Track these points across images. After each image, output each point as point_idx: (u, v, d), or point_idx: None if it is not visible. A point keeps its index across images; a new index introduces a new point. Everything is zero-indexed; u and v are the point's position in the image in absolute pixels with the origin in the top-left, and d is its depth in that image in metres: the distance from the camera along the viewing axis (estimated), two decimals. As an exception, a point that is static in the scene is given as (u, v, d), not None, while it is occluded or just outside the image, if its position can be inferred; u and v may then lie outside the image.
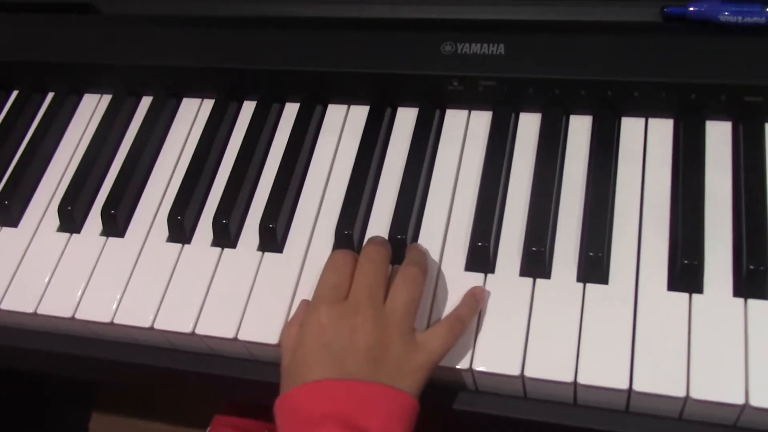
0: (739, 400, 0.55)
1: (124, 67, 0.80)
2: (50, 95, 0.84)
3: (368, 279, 0.60)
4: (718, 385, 0.56)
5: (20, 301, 0.70)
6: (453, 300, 0.63)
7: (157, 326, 0.66)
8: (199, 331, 0.66)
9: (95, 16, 0.82)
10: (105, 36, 0.81)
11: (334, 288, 0.60)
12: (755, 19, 0.66)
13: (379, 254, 0.61)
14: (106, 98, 0.82)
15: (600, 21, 0.70)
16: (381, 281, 0.60)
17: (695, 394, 0.56)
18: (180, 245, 0.70)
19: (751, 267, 0.59)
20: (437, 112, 0.74)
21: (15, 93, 0.85)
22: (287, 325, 0.63)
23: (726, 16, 0.67)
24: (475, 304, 0.61)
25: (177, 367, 0.69)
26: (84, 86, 0.83)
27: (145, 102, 0.81)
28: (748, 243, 0.60)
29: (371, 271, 0.60)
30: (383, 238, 0.64)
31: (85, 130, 0.80)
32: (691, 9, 0.68)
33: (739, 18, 0.66)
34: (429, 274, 0.63)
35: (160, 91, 0.80)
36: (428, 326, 0.62)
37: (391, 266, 0.62)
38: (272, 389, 0.61)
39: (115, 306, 0.68)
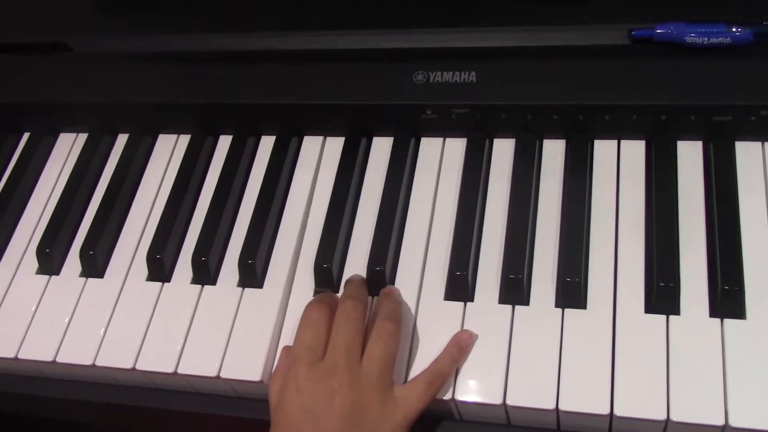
0: (719, 421, 0.56)
1: (99, 106, 0.80)
2: (26, 135, 0.84)
3: (345, 339, 0.60)
4: (697, 407, 0.56)
5: (1, 346, 0.69)
6: (433, 330, 0.63)
7: (138, 367, 0.66)
8: (181, 370, 0.65)
9: (69, 54, 0.82)
10: (79, 75, 0.81)
11: (311, 350, 0.60)
12: (720, 39, 0.67)
13: (356, 310, 0.62)
14: (82, 137, 0.82)
15: (569, 46, 0.71)
16: (358, 339, 0.60)
17: (676, 417, 0.56)
18: (160, 284, 0.70)
19: (726, 287, 0.59)
20: (412, 141, 0.74)
21: (-10, 134, 0.85)
22: (271, 379, 0.63)
23: (692, 37, 0.68)
24: (459, 354, 0.61)
25: (164, 406, 0.69)
26: (59, 126, 0.83)
27: (122, 140, 0.81)
28: (722, 263, 0.61)
29: (348, 330, 0.60)
30: (358, 285, 0.65)
31: (62, 170, 0.80)
32: (658, 31, 0.69)
33: (705, 39, 0.67)
34: (404, 318, 0.63)
35: (136, 128, 0.80)
36: (408, 362, 0.62)
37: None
38: (259, 425, 0.62)
39: (96, 348, 0.68)
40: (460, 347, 0.61)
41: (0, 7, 0.85)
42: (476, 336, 0.62)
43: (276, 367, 0.64)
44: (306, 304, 0.65)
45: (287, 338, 0.66)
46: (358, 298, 0.63)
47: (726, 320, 0.59)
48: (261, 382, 0.64)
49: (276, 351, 0.65)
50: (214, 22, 0.79)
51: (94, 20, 0.83)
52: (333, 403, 0.57)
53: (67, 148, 0.82)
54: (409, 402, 0.59)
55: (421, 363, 0.61)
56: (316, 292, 0.68)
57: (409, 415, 0.58)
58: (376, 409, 0.58)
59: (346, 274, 0.68)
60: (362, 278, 0.66)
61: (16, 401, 0.73)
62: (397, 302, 0.64)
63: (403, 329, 0.62)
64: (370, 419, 0.57)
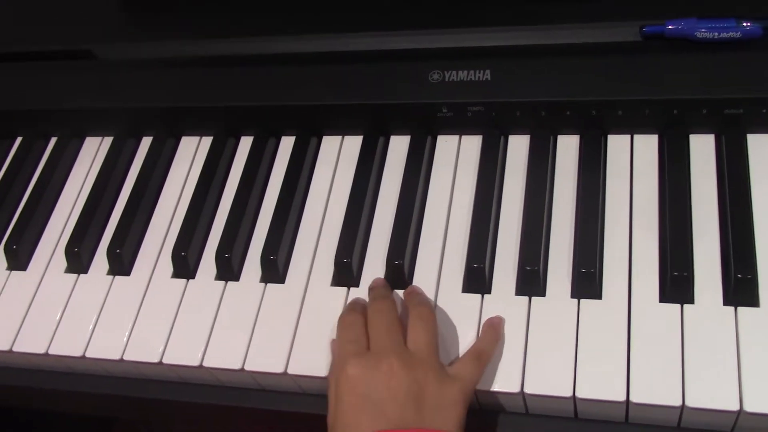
0: (734, 406, 0.56)
1: (123, 110, 0.82)
2: (53, 140, 0.86)
3: (385, 326, 0.61)
4: (713, 393, 0.57)
5: (32, 343, 0.72)
6: (452, 321, 0.65)
7: (165, 361, 0.68)
8: (206, 363, 0.67)
9: (94, 61, 0.85)
10: (104, 81, 0.83)
11: (354, 342, 0.61)
12: (730, 34, 0.68)
13: (385, 305, 0.63)
14: (108, 140, 0.84)
15: (581, 43, 0.72)
16: (397, 326, 0.61)
17: (691, 403, 0.57)
18: (185, 280, 0.72)
19: (739, 276, 0.60)
20: (429, 139, 0.76)
21: (19, 140, 0.87)
22: (329, 378, 0.62)
23: (702, 32, 0.69)
24: (495, 334, 0.62)
25: (190, 399, 0.71)
26: (85, 130, 0.86)
27: (146, 142, 0.83)
28: (735, 252, 0.62)
29: (385, 320, 0.62)
30: (382, 288, 0.66)
31: (88, 173, 0.83)
32: (669, 27, 0.70)
33: (715, 34, 0.68)
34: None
35: (160, 131, 0.82)
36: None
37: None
38: (283, 417, 0.63)
39: (124, 343, 0.70)
40: (494, 327, 0.63)
41: (26, 17, 0.88)
42: (504, 320, 0.63)
43: (330, 365, 0.64)
44: (326, 297, 0.67)
45: (308, 332, 0.67)
46: (384, 297, 0.64)
47: (740, 308, 0.60)
48: (284, 373, 0.65)
49: (296, 344, 0.66)
50: (234, 26, 0.81)
51: (117, 28, 0.85)
52: (390, 384, 0.57)
53: (94, 151, 0.84)
54: (464, 377, 0.59)
55: (441, 354, 0.62)
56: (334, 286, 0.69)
57: (466, 389, 0.59)
58: (434, 386, 0.57)
59: (366, 269, 0.69)
60: (384, 282, 0.68)
61: (46, 396, 0.76)
62: (423, 294, 0.66)
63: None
64: (430, 397, 0.57)
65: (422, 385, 0.57)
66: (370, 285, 0.68)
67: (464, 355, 0.62)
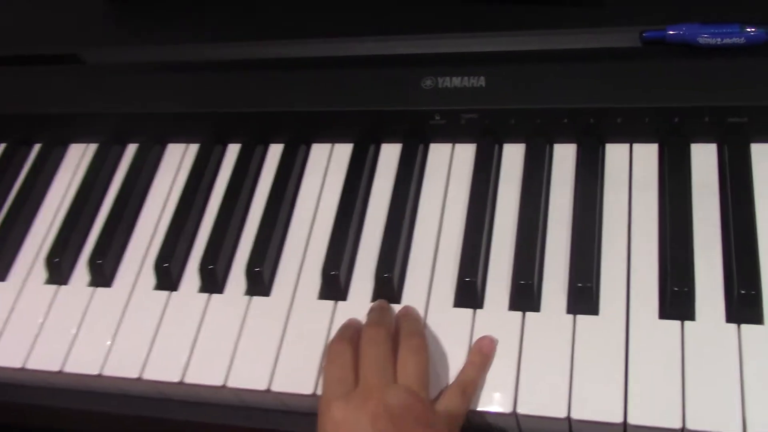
0: (737, 429, 0.54)
1: (109, 116, 0.80)
2: (37, 146, 0.84)
3: (375, 361, 0.58)
4: (714, 415, 0.55)
5: (9, 356, 0.69)
6: (443, 337, 0.62)
7: (145, 377, 0.66)
8: (187, 380, 0.65)
9: (80, 66, 0.83)
10: (90, 86, 0.81)
11: (341, 381, 0.58)
12: (734, 39, 0.66)
13: (380, 335, 0.60)
14: (92, 147, 0.82)
15: (579, 49, 0.70)
16: (388, 361, 0.59)
17: (692, 425, 0.55)
18: (168, 292, 0.70)
19: (743, 292, 0.58)
20: (421, 147, 0.73)
21: (2, 146, 0.85)
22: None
23: (705, 38, 0.66)
24: (482, 360, 0.60)
25: (170, 416, 0.69)
26: (70, 136, 0.84)
27: (131, 149, 0.81)
28: (738, 267, 0.59)
29: (376, 353, 0.59)
30: (379, 312, 0.63)
31: (72, 180, 0.80)
32: (670, 33, 0.68)
33: (718, 40, 0.66)
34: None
35: (145, 137, 0.80)
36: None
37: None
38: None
39: (103, 357, 0.67)
40: (482, 354, 0.60)
41: (10, 20, 0.86)
42: (497, 341, 0.61)
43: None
44: (312, 311, 0.64)
45: (294, 347, 0.64)
46: (379, 324, 0.61)
47: (743, 326, 0.58)
48: (267, 390, 0.63)
49: (281, 359, 0.64)
50: (222, 31, 0.79)
51: (104, 32, 0.83)
52: (377, 426, 0.54)
53: (78, 158, 0.82)
54: (450, 412, 0.57)
55: (432, 370, 0.60)
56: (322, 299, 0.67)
57: (453, 425, 0.57)
58: (421, 427, 0.55)
59: (354, 282, 0.67)
60: (384, 303, 0.65)
61: (24, 412, 0.73)
62: (416, 319, 0.63)
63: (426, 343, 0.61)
64: None
65: (410, 426, 0.55)
66: (371, 306, 0.64)
67: (450, 388, 0.59)
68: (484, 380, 0.60)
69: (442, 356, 0.61)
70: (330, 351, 0.61)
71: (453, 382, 0.60)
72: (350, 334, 0.62)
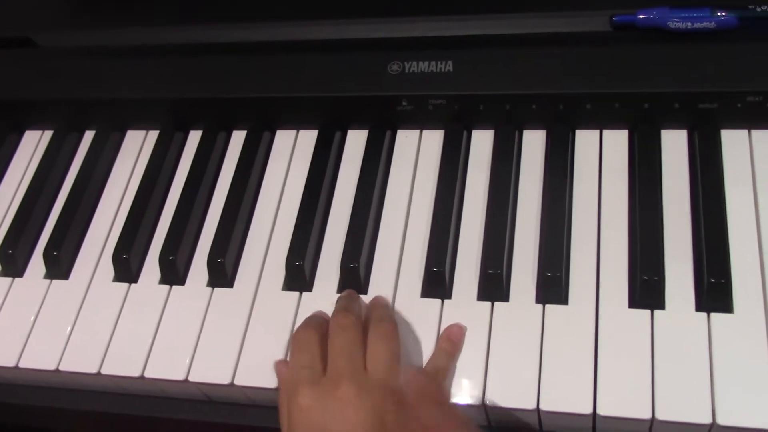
0: (706, 419, 0.53)
1: (64, 102, 0.77)
2: (-10, 134, 0.81)
3: (343, 347, 0.57)
4: (684, 405, 0.54)
5: (-39, 352, 0.67)
6: (410, 328, 0.61)
7: (105, 371, 0.64)
8: (148, 374, 0.63)
9: (34, 50, 0.80)
10: (44, 70, 0.78)
11: (307, 368, 0.56)
12: (705, 24, 0.65)
13: (348, 321, 0.58)
14: (48, 134, 0.79)
15: (548, 33, 0.69)
16: (357, 346, 0.57)
17: (661, 416, 0.54)
18: (127, 284, 0.68)
19: (712, 280, 0.57)
20: (388, 133, 0.72)
21: (-46, 133, 0.82)
22: (279, 398, 0.58)
23: (675, 22, 0.65)
24: (452, 348, 0.59)
25: (135, 412, 0.67)
26: (25, 122, 0.81)
27: (88, 136, 0.78)
28: (708, 255, 0.59)
29: (345, 339, 0.57)
30: (347, 299, 0.62)
31: (27, 168, 0.78)
32: (641, 17, 0.67)
33: (689, 24, 0.65)
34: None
35: (103, 124, 0.78)
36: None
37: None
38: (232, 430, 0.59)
39: (60, 352, 0.65)
40: (451, 341, 0.59)
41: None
42: (466, 328, 0.60)
43: (279, 383, 0.60)
44: (277, 302, 0.63)
45: (258, 339, 0.63)
46: (347, 311, 0.60)
47: (713, 314, 0.57)
48: (231, 384, 0.61)
49: (245, 352, 0.62)
50: (182, 14, 0.77)
51: (59, 14, 0.81)
52: (346, 414, 0.53)
53: (33, 145, 0.80)
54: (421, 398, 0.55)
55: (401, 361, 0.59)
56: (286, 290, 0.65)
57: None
58: (392, 412, 0.54)
59: (320, 272, 0.65)
60: (353, 292, 0.63)
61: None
62: (386, 306, 0.62)
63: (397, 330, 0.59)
64: (389, 422, 0.53)
65: (380, 413, 0.53)
66: (339, 295, 0.63)
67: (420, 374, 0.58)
68: (453, 370, 0.59)
69: (411, 347, 0.60)
70: (296, 338, 0.59)
71: (423, 370, 0.58)
72: (317, 322, 0.60)
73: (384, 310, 0.61)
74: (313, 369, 0.56)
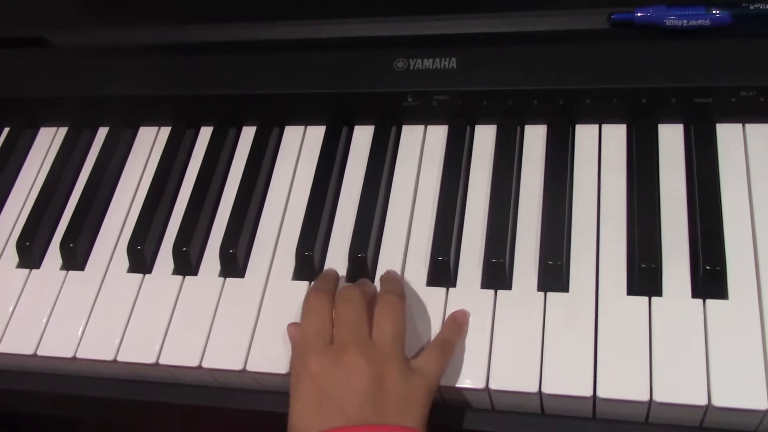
0: (702, 401, 0.55)
1: (78, 99, 0.79)
2: (6, 130, 0.83)
3: (350, 318, 0.59)
4: (681, 387, 0.56)
5: (-19, 341, 0.69)
6: (416, 316, 0.63)
7: (120, 359, 0.66)
8: (163, 361, 0.65)
9: (47, 49, 0.82)
10: (58, 69, 0.80)
11: (319, 335, 0.59)
12: (699, 21, 0.67)
13: (353, 292, 0.61)
14: (63, 131, 0.81)
15: (549, 30, 0.70)
16: (362, 317, 0.59)
17: (659, 398, 0.56)
18: (141, 275, 0.70)
19: (708, 267, 0.59)
20: (393, 129, 0.74)
21: (-30, 130, 0.84)
22: (291, 361, 0.61)
23: (672, 20, 0.67)
24: (458, 327, 0.61)
25: (151, 398, 0.69)
26: (40, 120, 0.83)
27: (102, 133, 0.81)
28: (703, 244, 0.61)
29: (350, 310, 0.59)
30: (360, 283, 0.64)
31: (42, 164, 0.80)
32: (638, 15, 0.69)
33: (684, 21, 0.67)
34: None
35: (116, 121, 0.80)
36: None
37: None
38: (243, 416, 0.61)
39: (77, 341, 0.67)
40: (456, 321, 0.61)
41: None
42: (469, 313, 0.62)
43: (292, 345, 0.62)
44: (287, 292, 0.65)
45: (268, 327, 0.65)
46: (354, 285, 0.62)
47: (708, 301, 0.59)
48: (243, 370, 0.63)
49: (256, 340, 0.64)
50: (194, 13, 0.79)
51: (73, 14, 0.82)
52: (351, 380, 0.55)
53: (48, 141, 0.82)
54: (428, 370, 0.57)
55: (406, 349, 0.60)
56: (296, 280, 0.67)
57: (430, 383, 0.57)
58: (396, 380, 0.56)
59: (328, 262, 0.67)
60: (365, 281, 0.65)
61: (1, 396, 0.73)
62: (397, 280, 0.64)
63: (405, 303, 0.61)
64: (392, 392, 0.55)
65: (384, 381, 0.55)
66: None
67: (427, 347, 0.60)
68: (462, 348, 0.60)
69: (417, 333, 0.62)
70: (307, 303, 0.61)
71: (431, 343, 0.60)
72: (328, 287, 0.62)
73: (393, 283, 0.63)
74: (323, 336, 0.59)
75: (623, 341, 0.58)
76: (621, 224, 0.64)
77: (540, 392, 0.58)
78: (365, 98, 0.73)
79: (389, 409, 0.55)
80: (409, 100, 0.72)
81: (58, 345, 0.67)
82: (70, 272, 0.71)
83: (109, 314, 0.68)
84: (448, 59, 0.71)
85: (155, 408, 0.70)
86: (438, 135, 0.73)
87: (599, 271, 0.62)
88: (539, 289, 0.62)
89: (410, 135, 0.74)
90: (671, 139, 0.68)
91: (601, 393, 0.57)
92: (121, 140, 0.79)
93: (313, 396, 0.56)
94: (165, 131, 0.79)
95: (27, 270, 0.72)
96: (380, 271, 0.66)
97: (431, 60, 0.71)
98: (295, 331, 0.62)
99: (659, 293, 0.60)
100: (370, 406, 0.54)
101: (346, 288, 0.62)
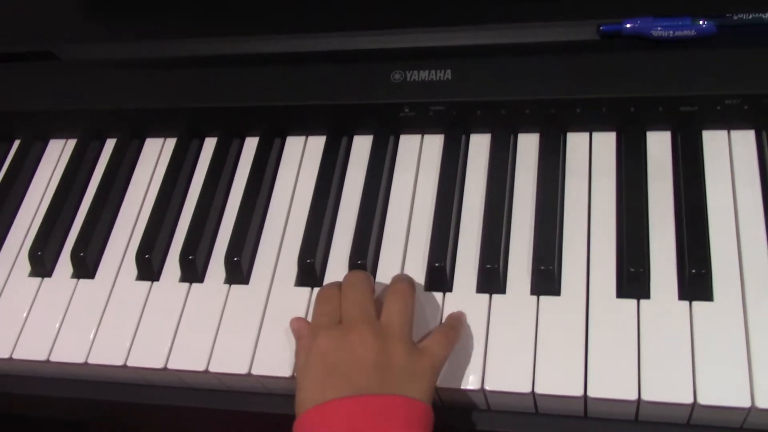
0: (688, 399, 0.58)
1: (87, 112, 0.82)
2: (17, 142, 0.86)
3: (356, 297, 0.62)
4: (668, 387, 0.58)
5: (-4, 348, 0.71)
6: (416, 318, 0.64)
7: (130, 364, 0.68)
8: (171, 366, 0.67)
9: (56, 62, 0.84)
10: (66, 82, 0.82)
11: (327, 315, 0.62)
12: (685, 32, 0.69)
13: (359, 277, 0.64)
14: (72, 142, 0.84)
15: (540, 42, 0.73)
16: (368, 297, 0.62)
17: (647, 397, 0.58)
18: (149, 283, 0.72)
19: (693, 271, 0.61)
20: (391, 138, 0.76)
21: (-19, 143, 0.86)
22: (296, 349, 0.65)
23: (659, 31, 0.70)
24: (458, 322, 0.64)
25: (159, 402, 0.71)
26: (49, 132, 0.85)
27: (110, 144, 0.83)
28: (689, 248, 0.63)
29: (357, 291, 0.63)
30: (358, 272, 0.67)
31: (52, 175, 0.82)
32: (627, 26, 0.71)
33: (671, 32, 0.69)
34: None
35: (123, 133, 0.82)
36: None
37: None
38: (250, 418, 0.63)
39: (88, 347, 0.70)
40: (455, 317, 0.64)
41: (-13, 18, 0.87)
42: (465, 315, 0.64)
43: (295, 337, 0.65)
44: (290, 298, 0.68)
45: (272, 332, 0.67)
46: (360, 271, 0.65)
47: (694, 303, 0.61)
48: (248, 374, 0.66)
49: (260, 344, 0.67)
50: (197, 27, 0.81)
51: (79, 28, 0.85)
52: (357, 354, 0.58)
53: (57, 153, 0.84)
54: (433, 351, 0.60)
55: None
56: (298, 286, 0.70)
57: (435, 360, 0.59)
58: (401, 357, 0.58)
59: (329, 269, 0.70)
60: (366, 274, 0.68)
61: (14, 401, 0.75)
62: (407, 276, 0.66)
63: (415, 291, 0.64)
64: (397, 366, 0.57)
65: (390, 356, 0.58)
66: None
67: (433, 332, 0.62)
68: (458, 350, 0.62)
69: (415, 337, 0.63)
70: (320, 293, 0.65)
71: (435, 328, 0.63)
72: (339, 282, 0.65)
73: (403, 275, 0.66)
74: (332, 317, 0.62)
75: (613, 343, 0.61)
76: (611, 229, 0.66)
77: (533, 392, 0.60)
78: (364, 109, 0.75)
79: (394, 381, 0.57)
80: (406, 110, 0.74)
81: (70, 351, 0.70)
82: (81, 280, 0.74)
83: (119, 321, 0.71)
84: (443, 71, 0.73)
85: (164, 411, 0.72)
86: (434, 144, 0.75)
87: (590, 275, 0.64)
88: (532, 293, 0.65)
89: (408, 144, 0.76)
90: (659, 145, 0.70)
91: (592, 393, 0.59)
92: (128, 151, 0.81)
93: (321, 369, 0.58)
94: (171, 142, 0.81)
95: (39, 278, 0.75)
96: (379, 277, 0.68)
97: (427, 72, 0.73)
98: (298, 324, 0.65)
99: (647, 296, 0.62)
100: (375, 377, 0.57)
101: (352, 272, 0.65)
